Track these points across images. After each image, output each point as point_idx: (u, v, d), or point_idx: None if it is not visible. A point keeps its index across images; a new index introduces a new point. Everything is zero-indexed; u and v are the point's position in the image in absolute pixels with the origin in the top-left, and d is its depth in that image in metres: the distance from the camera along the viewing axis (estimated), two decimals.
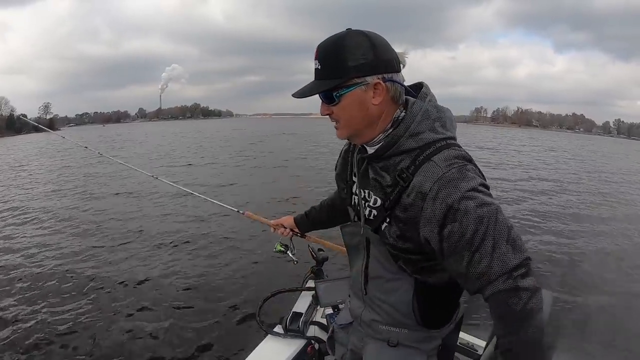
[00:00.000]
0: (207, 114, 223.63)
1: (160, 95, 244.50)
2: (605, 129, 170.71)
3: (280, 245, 1.96)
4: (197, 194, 2.63)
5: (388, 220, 1.04)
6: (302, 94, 1.01)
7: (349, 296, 1.37)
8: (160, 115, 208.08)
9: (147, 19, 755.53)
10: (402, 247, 1.04)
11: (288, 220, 1.78)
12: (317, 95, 1.01)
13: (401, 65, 1.02)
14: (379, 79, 0.96)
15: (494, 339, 0.96)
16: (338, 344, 1.44)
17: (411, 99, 1.03)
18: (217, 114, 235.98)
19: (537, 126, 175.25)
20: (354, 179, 1.19)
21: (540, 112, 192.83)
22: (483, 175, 0.97)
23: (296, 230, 1.79)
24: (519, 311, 0.87)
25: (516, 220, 7.05)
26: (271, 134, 42.89)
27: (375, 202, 1.07)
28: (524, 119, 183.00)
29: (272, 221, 1.86)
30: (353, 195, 1.20)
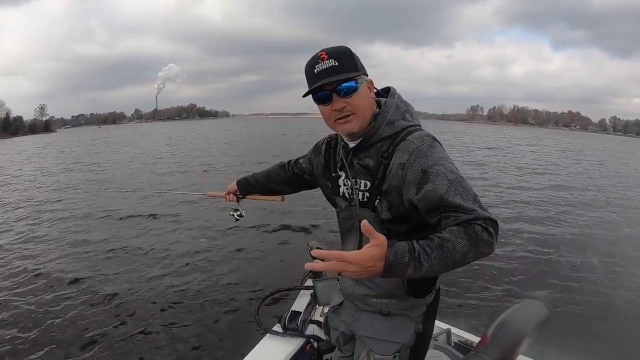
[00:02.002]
0: (203, 114, 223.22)
1: (157, 96, 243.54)
2: (602, 127, 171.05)
3: (231, 210, 2.05)
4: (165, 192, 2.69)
5: (379, 197, 1.21)
6: (328, 79, 1.13)
7: (337, 279, 1.51)
8: (157, 116, 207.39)
9: (142, 19, 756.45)
10: (392, 217, 1.20)
11: (231, 186, 1.94)
12: (347, 72, 1.14)
13: None
14: (369, 78, 1.22)
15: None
16: (332, 329, 1.56)
17: (383, 99, 1.27)
18: (214, 114, 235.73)
19: (533, 124, 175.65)
20: (339, 172, 1.35)
21: (536, 110, 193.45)
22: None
23: (238, 193, 1.94)
24: (478, 234, 0.99)
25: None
26: (275, 135, 42.63)
27: (365, 185, 1.24)
28: (520, 117, 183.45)
29: (222, 193, 2.01)
30: (342, 187, 1.34)
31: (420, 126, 1.23)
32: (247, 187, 1.89)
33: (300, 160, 1.65)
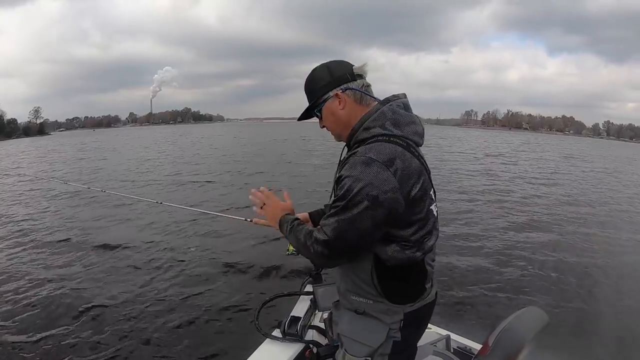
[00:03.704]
0: (197, 118, 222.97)
1: (151, 100, 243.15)
2: (595, 131, 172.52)
3: (293, 247, 1.84)
4: (208, 212, 2.72)
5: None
6: (301, 117, 1.46)
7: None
8: (151, 119, 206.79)
9: (137, 22, 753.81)
10: None
11: (301, 215, 1.71)
12: (309, 104, 1.40)
13: (362, 75, 1.34)
14: (337, 91, 1.31)
15: None
16: (334, 324, 1.55)
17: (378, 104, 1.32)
18: (208, 118, 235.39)
19: (527, 129, 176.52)
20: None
21: (530, 115, 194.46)
22: (390, 181, 1.15)
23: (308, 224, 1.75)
24: (311, 244, 1.26)
25: None
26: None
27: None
28: (513, 122, 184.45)
29: None
30: None
31: (401, 138, 1.23)
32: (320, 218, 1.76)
33: None
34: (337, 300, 1.51)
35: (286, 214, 1.47)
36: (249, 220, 1.98)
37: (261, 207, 1.54)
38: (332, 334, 1.60)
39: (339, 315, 1.44)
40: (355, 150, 1.23)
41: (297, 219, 1.44)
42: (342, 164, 1.28)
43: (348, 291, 1.36)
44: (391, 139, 1.22)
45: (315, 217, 1.76)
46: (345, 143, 1.42)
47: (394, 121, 1.26)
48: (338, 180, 1.22)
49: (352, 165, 1.18)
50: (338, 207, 1.19)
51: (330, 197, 1.32)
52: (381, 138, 1.22)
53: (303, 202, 8.41)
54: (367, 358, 1.32)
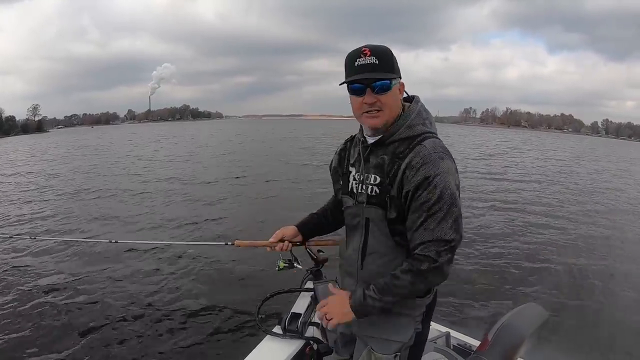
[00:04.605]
0: (196, 115, 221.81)
1: (150, 97, 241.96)
2: (594, 129, 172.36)
3: (283, 262, 1.89)
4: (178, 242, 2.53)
5: (389, 194, 1.28)
6: (366, 74, 1.23)
7: (336, 280, 1.60)
8: (150, 117, 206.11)
9: (136, 18, 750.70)
10: (396, 216, 1.28)
11: (288, 230, 1.74)
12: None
13: None
14: (401, 80, 1.30)
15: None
16: (330, 332, 1.59)
17: (407, 103, 1.35)
18: (207, 115, 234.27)
19: (525, 126, 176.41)
20: (350, 168, 1.44)
21: (529, 113, 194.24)
22: (457, 171, 1.26)
23: (297, 239, 1.75)
24: (424, 271, 1.20)
25: None
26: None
27: (375, 179, 1.32)
28: (512, 120, 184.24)
29: (269, 240, 1.77)
30: (352, 182, 1.42)
31: (436, 135, 1.32)
32: (312, 226, 1.75)
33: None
34: None
35: (350, 298, 1.31)
36: (229, 243, 1.95)
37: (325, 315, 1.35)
38: (328, 340, 1.59)
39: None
40: (413, 146, 1.25)
41: (364, 293, 1.28)
42: (390, 159, 1.29)
43: None
44: (434, 135, 1.30)
45: (305, 228, 1.74)
46: (356, 139, 1.44)
47: (429, 120, 1.34)
48: (422, 183, 1.19)
49: (432, 163, 1.20)
50: (442, 207, 1.18)
51: (356, 196, 1.37)
52: (429, 135, 1.28)
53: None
54: (397, 353, 1.36)
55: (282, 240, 1.74)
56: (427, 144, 1.23)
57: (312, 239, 1.82)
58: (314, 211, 1.76)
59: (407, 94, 1.36)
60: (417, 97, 1.37)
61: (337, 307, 1.32)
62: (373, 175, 1.32)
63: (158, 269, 5.57)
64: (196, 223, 8.03)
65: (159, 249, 6.27)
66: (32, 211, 9.55)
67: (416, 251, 1.22)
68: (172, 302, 4.57)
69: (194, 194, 11.21)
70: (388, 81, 1.24)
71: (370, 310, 1.27)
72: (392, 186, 1.27)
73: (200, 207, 9.63)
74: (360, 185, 1.37)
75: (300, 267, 1.93)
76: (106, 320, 4.14)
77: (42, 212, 9.41)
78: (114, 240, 2.88)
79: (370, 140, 1.36)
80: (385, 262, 1.33)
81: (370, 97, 1.26)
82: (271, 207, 9.44)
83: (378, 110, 1.27)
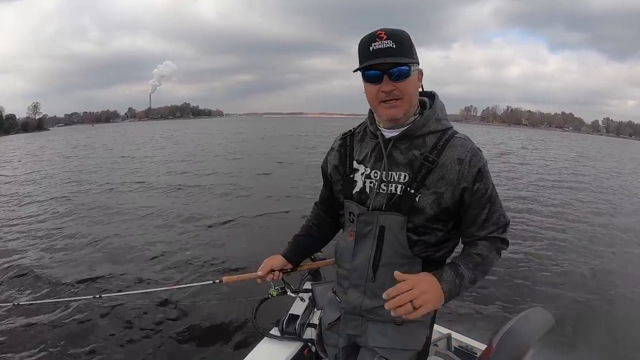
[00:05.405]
0: (197, 113, 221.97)
1: (150, 95, 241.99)
2: (594, 128, 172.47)
3: (276, 291, 1.80)
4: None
5: (420, 190, 1.18)
6: (382, 59, 1.12)
7: (334, 291, 1.46)
8: (150, 114, 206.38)
9: (136, 16, 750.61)
10: (437, 212, 1.19)
11: (276, 260, 1.59)
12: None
13: None
14: (419, 67, 1.20)
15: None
16: (329, 346, 1.48)
17: (426, 98, 1.28)
18: (207, 113, 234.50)
19: (526, 125, 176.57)
20: (357, 166, 1.30)
21: (529, 111, 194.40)
22: None
23: (288, 267, 1.62)
24: (500, 251, 1.27)
25: None
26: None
27: (403, 177, 1.21)
28: (513, 118, 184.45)
29: (257, 272, 1.61)
30: (360, 182, 1.28)
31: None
32: (300, 251, 1.62)
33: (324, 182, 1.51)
34: (337, 318, 1.42)
35: (439, 282, 1.11)
36: (217, 281, 1.87)
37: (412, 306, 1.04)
38: (327, 355, 1.51)
39: (366, 330, 1.33)
40: (447, 140, 1.21)
41: (456, 271, 1.17)
42: (425, 155, 1.19)
43: (380, 307, 1.22)
44: (457, 131, 1.27)
45: (292, 255, 1.61)
46: (363, 133, 1.34)
47: (446, 116, 1.29)
48: (477, 176, 1.19)
49: (477, 155, 1.20)
50: (495, 194, 1.23)
51: (367, 195, 1.25)
52: (452, 131, 1.25)
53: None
54: None
55: (272, 271, 1.60)
56: (462, 137, 1.22)
57: (303, 263, 1.70)
58: (298, 232, 1.61)
59: (422, 88, 1.28)
60: (436, 93, 1.30)
61: (432, 292, 1.08)
62: (399, 173, 1.20)
63: (156, 268, 5.54)
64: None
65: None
66: None
67: (486, 234, 1.24)
68: (168, 304, 4.50)
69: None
70: (407, 67, 1.13)
71: (461, 291, 1.15)
72: (425, 180, 1.17)
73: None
74: (378, 184, 1.23)
75: (293, 295, 1.88)
76: (101, 327, 4.08)
77: None
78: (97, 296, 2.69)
79: (389, 134, 1.24)
80: (406, 268, 1.20)
81: (388, 85, 1.14)
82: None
83: (397, 99, 1.16)
